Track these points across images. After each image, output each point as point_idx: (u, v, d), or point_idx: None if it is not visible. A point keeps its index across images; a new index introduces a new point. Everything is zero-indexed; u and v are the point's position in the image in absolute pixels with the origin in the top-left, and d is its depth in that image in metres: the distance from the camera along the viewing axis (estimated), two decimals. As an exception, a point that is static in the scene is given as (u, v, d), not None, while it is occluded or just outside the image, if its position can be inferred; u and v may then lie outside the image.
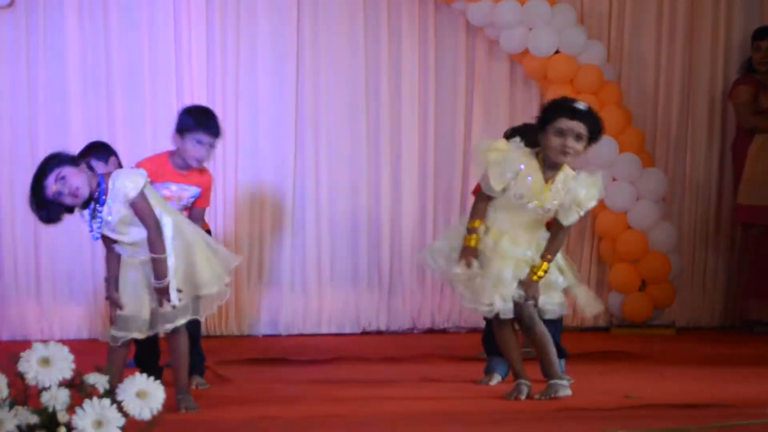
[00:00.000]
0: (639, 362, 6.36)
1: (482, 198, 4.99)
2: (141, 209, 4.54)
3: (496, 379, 5.52)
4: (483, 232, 4.94)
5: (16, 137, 7.50)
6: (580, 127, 4.84)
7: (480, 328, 6.14)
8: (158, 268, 4.57)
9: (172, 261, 4.61)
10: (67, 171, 4.47)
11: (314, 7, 7.79)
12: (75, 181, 4.47)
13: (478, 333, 6.14)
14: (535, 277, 4.91)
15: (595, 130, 4.89)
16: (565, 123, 4.84)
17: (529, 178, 4.86)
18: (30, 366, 2.63)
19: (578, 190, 4.87)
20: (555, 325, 5.25)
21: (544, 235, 4.99)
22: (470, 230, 4.94)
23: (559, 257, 5.04)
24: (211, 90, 7.66)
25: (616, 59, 8.01)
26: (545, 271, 4.92)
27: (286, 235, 7.80)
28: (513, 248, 4.90)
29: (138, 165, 5.05)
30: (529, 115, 7.69)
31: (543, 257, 4.92)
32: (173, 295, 4.61)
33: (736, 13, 8.13)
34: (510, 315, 4.94)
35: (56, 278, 7.55)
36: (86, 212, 4.57)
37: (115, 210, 4.53)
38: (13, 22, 7.48)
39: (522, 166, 4.86)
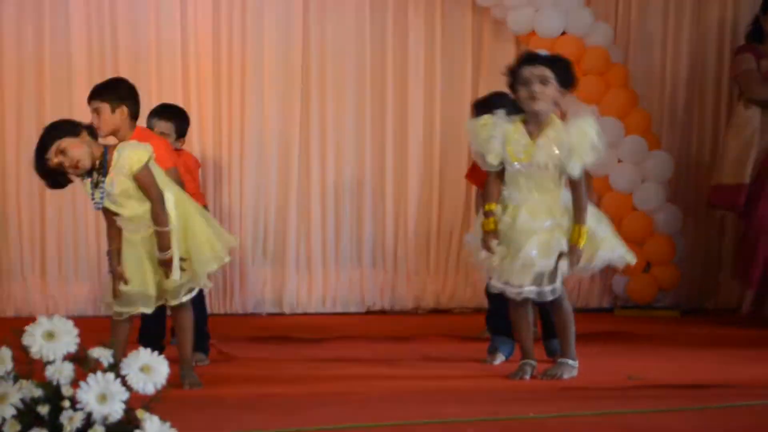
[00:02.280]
0: (642, 344, 6.36)
1: (492, 179, 4.94)
2: (145, 182, 4.55)
3: (500, 358, 5.53)
4: (500, 212, 4.90)
5: (22, 116, 7.51)
6: (542, 70, 4.80)
7: (484, 308, 6.14)
8: (161, 240, 4.58)
9: (175, 234, 4.63)
10: (67, 143, 4.48)
11: (321, -13, 7.80)
12: (76, 153, 4.48)
13: (482, 313, 6.14)
14: (578, 245, 4.83)
15: (562, 73, 4.84)
16: (527, 70, 4.82)
17: (517, 141, 4.82)
18: (35, 340, 2.63)
19: (570, 138, 4.80)
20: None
21: (564, 198, 4.90)
22: (486, 213, 4.90)
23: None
24: (216, 69, 7.66)
25: (623, 40, 8.00)
26: (585, 233, 4.83)
27: (291, 214, 7.81)
28: (532, 221, 4.84)
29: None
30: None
31: (577, 221, 4.83)
32: (176, 270, 4.62)
33: (744, -6, 8.10)
34: (542, 298, 4.91)
35: (61, 255, 7.58)
36: (88, 181, 4.57)
37: (117, 182, 4.53)
38: (18, 2, 7.47)
39: (509, 134, 4.82)
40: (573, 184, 4.88)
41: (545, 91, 4.79)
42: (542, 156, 4.82)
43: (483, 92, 7.89)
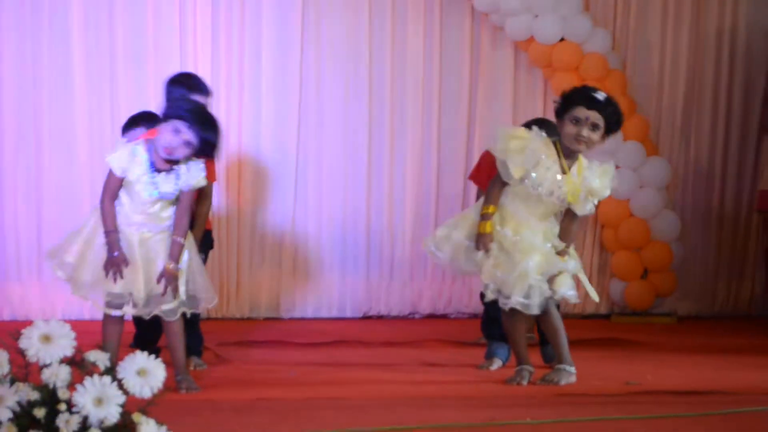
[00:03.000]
0: (639, 350, 6.36)
1: (497, 184, 4.95)
2: (188, 199, 4.70)
3: (497, 363, 5.53)
4: (499, 222, 4.92)
5: (20, 119, 7.49)
6: (596, 117, 4.82)
7: (480, 313, 6.14)
8: (176, 250, 4.65)
9: (186, 257, 4.71)
10: (191, 137, 4.53)
11: (319, -8, 7.80)
12: (182, 151, 4.56)
13: (479, 318, 6.14)
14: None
15: (612, 122, 4.87)
16: (582, 112, 4.82)
17: (549, 168, 4.84)
18: (31, 343, 2.63)
19: (592, 180, 4.88)
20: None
21: (552, 225, 4.98)
22: (484, 216, 4.92)
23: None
24: (215, 75, 7.64)
25: (622, 47, 8.01)
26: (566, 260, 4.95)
27: (287, 219, 7.80)
28: (534, 238, 4.88)
29: None
30: (533, 102, 7.75)
31: (561, 251, 4.93)
32: (181, 288, 4.68)
33: (742, 2, 8.10)
34: (527, 310, 4.92)
35: (58, 258, 7.55)
36: (149, 166, 4.60)
37: (172, 186, 4.62)
38: (18, 5, 7.46)
39: (543, 156, 4.85)
40: (573, 217, 4.98)
41: (591, 136, 4.83)
42: (568, 192, 4.86)
43: (481, 97, 7.96)
